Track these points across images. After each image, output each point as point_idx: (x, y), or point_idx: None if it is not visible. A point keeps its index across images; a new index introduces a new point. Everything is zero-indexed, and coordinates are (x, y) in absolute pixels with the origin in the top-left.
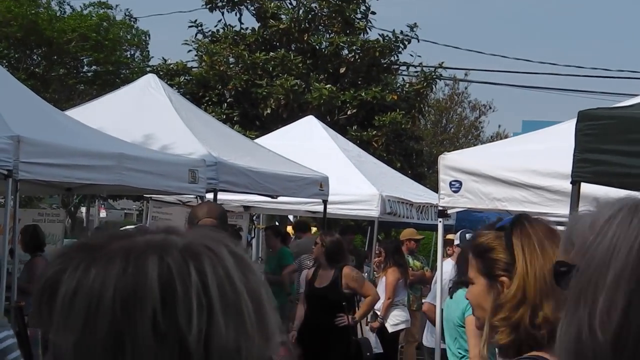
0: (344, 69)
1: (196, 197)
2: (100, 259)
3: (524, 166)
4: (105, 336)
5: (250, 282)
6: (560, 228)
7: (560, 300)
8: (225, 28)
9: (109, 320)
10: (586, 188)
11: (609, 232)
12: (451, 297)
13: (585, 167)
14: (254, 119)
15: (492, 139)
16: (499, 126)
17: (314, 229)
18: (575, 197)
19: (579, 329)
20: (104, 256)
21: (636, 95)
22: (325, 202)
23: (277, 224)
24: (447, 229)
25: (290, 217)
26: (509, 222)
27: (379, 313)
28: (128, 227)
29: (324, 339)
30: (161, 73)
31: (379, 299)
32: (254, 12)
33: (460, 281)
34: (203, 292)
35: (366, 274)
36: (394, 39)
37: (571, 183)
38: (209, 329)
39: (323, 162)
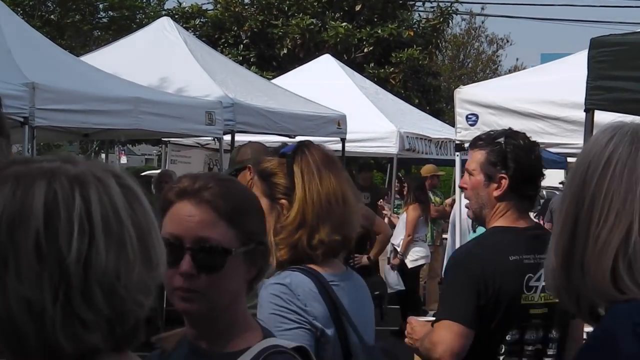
0: (359, 6)
1: (214, 139)
2: None
3: (541, 97)
4: None
5: (137, 213)
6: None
7: (336, 224)
8: None
9: None
10: (601, 117)
11: (578, 159)
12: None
13: (599, 95)
14: (271, 60)
15: (510, 72)
16: (517, 60)
17: None
18: (589, 125)
19: (549, 256)
20: None
21: None
22: (343, 141)
23: None
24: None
25: None
26: (291, 149)
27: (399, 249)
28: (149, 172)
29: None
30: (176, 16)
31: (391, 234)
32: None
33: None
34: (86, 218)
35: (388, 211)
36: None
37: (585, 111)
38: (88, 253)
39: (340, 101)
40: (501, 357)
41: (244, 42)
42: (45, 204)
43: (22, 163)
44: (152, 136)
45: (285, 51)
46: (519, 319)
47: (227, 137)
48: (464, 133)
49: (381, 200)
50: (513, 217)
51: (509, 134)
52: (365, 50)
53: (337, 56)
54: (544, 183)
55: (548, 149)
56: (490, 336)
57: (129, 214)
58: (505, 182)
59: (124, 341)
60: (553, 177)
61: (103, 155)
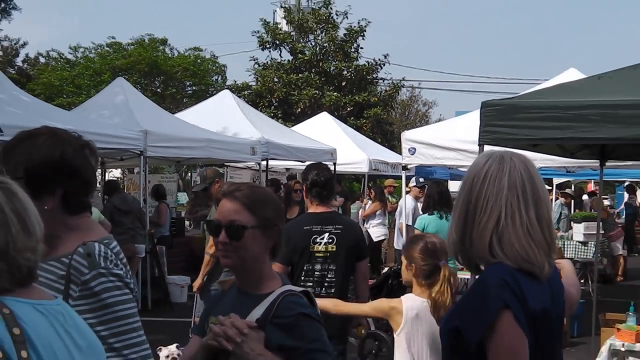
0: (344, 82)
1: (255, 164)
2: None
3: (455, 137)
4: None
5: (15, 203)
6: None
7: None
8: (271, 60)
9: None
10: (488, 149)
11: (467, 173)
12: (446, 219)
13: (487, 135)
14: (291, 115)
15: (436, 122)
16: (440, 115)
17: None
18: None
19: (451, 233)
20: None
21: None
22: (334, 164)
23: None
24: (410, 178)
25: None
26: None
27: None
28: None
29: None
30: (233, 89)
31: None
32: (288, 50)
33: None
34: None
35: (361, 209)
36: (374, 63)
37: (478, 145)
38: None
39: (332, 140)
40: (302, 278)
41: (274, 104)
42: None
43: None
44: (218, 162)
45: (299, 110)
46: (309, 258)
47: (264, 162)
48: (407, 159)
49: (357, 200)
50: (314, 207)
51: (311, 165)
52: (348, 109)
53: (331, 113)
54: (457, 188)
55: (459, 169)
56: (297, 267)
57: (8, 205)
58: (305, 190)
59: (24, 280)
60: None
61: (189, 174)
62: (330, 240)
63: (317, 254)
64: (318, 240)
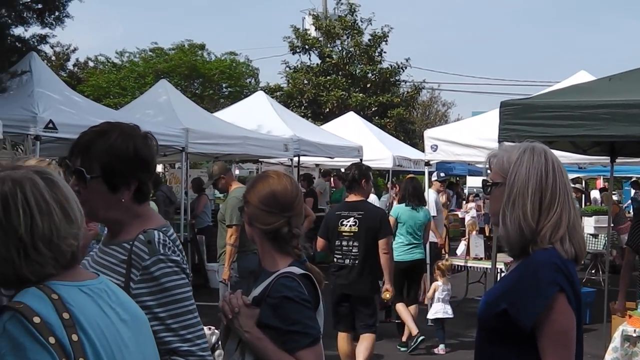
0: (369, 84)
1: (288, 159)
2: None
3: (473, 135)
4: None
5: (57, 193)
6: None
7: None
8: (301, 63)
9: None
10: (506, 145)
11: (523, 163)
12: (417, 211)
13: (506, 133)
14: (320, 115)
15: (455, 122)
16: (459, 114)
17: None
18: None
19: (519, 219)
20: None
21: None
22: (361, 160)
23: (335, 173)
24: (432, 173)
25: (343, 170)
26: None
27: None
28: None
29: None
30: (266, 91)
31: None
32: (317, 54)
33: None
34: (26, 205)
35: (385, 201)
36: (396, 67)
37: (498, 142)
38: (32, 224)
39: (358, 138)
40: (335, 251)
41: (304, 105)
42: (1, 200)
43: None
44: (253, 158)
45: (327, 110)
46: (339, 236)
47: (295, 159)
48: (430, 155)
49: (383, 193)
50: (349, 197)
51: (358, 164)
52: (373, 109)
53: (357, 113)
54: (474, 183)
55: (477, 165)
56: (331, 242)
57: (50, 195)
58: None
59: (68, 264)
60: (478, 181)
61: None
62: (354, 223)
63: (343, 233)
64: (345, 222)
